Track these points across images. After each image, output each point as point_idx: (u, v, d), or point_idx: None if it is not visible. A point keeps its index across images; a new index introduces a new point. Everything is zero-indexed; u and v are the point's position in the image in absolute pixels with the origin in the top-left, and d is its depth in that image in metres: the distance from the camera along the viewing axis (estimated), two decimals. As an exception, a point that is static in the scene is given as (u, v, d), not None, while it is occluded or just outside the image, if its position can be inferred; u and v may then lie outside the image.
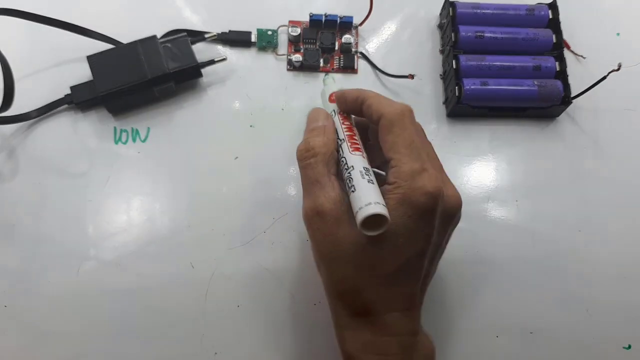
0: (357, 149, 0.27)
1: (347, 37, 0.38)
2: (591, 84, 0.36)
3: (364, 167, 0.26)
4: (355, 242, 0.24)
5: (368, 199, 0.23)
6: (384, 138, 0.26)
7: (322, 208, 0.25)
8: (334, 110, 0.30)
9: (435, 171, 0.25)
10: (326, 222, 0.25)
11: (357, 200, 0.24)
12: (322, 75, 0.39)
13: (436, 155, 0.28)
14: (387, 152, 0.26)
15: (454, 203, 0.26)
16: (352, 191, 0.25)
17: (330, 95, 0.31)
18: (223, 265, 0.33)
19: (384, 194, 0.24)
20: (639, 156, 0.38)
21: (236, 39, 0.39)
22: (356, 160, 0.26)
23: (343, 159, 0.27)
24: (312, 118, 0.29)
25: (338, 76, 0.39)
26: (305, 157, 0.26)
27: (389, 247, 0.24)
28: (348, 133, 0.28)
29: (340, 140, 0.28)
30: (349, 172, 0.25)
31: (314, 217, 0.25)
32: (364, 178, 0.25)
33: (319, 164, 0.26)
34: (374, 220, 0.23)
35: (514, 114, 0.38)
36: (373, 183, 0.25)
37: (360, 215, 0.23)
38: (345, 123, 0.29)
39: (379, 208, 0.23)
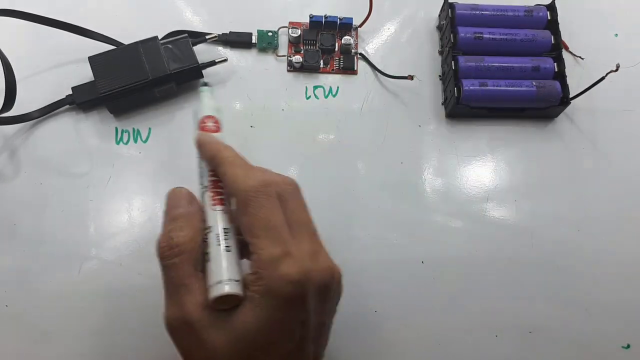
0: (220, 202, 0.24)
1: (347, 39, 0.38)
2: (589, 84, 0.36)
3: (223, 229, 0.23)
4: (229, 348, 0.22)
5: (220, 275, 0.22)
6: (240, 219, 0.23)
7: (190, 317, 0.22)
8: None
9: (300, 250, 0.22)
10: (195, 331, 0.22)
11: (210, 274, 0.22)
12: (322, 77, 0.39)
13: (307, 218, 0.24)
14: (245, 236, 0.23)
15: (326, 277, 0.23)
16: (207, 260, 0.23)
17: (202, 120, 0.26)
18: (223, 264, 0.34)
19: (247, 285, 0.22)
20: (637, 156, 0.38)
21: (237, 40, 0.39)
22: (215, 219, 0.23)
23: (204, 214, 0.24)
24: (172, 202, 0.25)
25: (338, 77, 0.39)
26: (168, 255, 0.23)
27: (265, 344, 0.22)
28: (213, 179, 0.25)
29: (203, 188, 0.25)
30: (207, 234, 0.23)
31: (181, 327, 0.22)
32: (219, 245, 0.23)
33: (184, 264, 0.22)
34: (229, 296, 0.22)
35: (512, 115, 0.38)
36: (229, 251, 0.23)
37: (211, 295, 0.22)
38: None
39: (230, 287, 0.21)
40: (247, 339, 0.22)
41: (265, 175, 0.24)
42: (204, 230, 0.24)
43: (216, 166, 0.25)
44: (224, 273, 0.22)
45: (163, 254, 0.23)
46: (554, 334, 0.34)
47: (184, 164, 0.36)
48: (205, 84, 0.29)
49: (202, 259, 0.23)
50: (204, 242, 0.23)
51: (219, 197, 0.24)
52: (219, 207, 0.24)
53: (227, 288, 0.22)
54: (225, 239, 0.23)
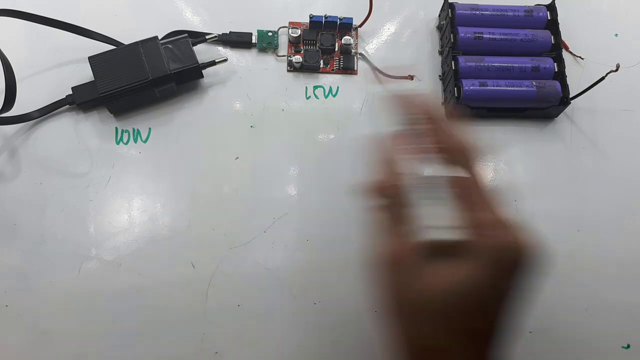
0: (432, 152, 0.25)
1: (347, 39, 0.38)
2: (589, 84, 0.36)
3: (437, 179, 0.24)
4: (444, 293, 0.22)
5: (436, 221, 0.22)
6: (470, 177, 0.23)
7: (410, 255, 0.22)
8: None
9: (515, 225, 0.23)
10: (415, 265, 0.22)
11: (430, 220, 0.23)
12: (322, 77, 0.39)
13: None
14: (469, 193, 0.23)
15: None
16: (425, 206, 0.23)
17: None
18: (223, 264, 0.34)
19: (471, 239, 0.22)
20: (637, 156, 0.38)
21: (237, 40, 0.39)
22: (424, 170, 0.24)
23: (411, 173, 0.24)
24: (384, 147, 0.25)
25: (338, 77, 0.39)
26: (388, 195, 0.23)
27: (478, 303, 0.22)
28: (421, 133, 0.25)
29: (412, 144, 0.25)
30: (420, 189, 0.23)
31: (401, 260, 0.23)
32: (432, 194, 0.23)
33: (400, 204, 0.23)
34: (445, 244, 0.22)
35: (512, 115, 0.38)
36: (441, 200, 0.23)
37: (427, 241, 0.22)
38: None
39: (446, 233, 0.22)
40: (462, 291, 0.22)
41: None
42: (416, 176, 0.24)
43: (434, 122, 0.25)
44: (439, 219, 0.22)
45: (385, 192, 0.23)
46: (554, 334, 0.34)
47: (184, 163, 0.36)
48: None
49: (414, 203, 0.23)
50: (419, 190, 0.24)
51: (425, 150, 0.25)
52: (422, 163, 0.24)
53: (446, 233, 0.22)
54: (435, 190, 0.23)
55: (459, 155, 0.24)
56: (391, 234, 0.23)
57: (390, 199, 0.23)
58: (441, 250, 0.22)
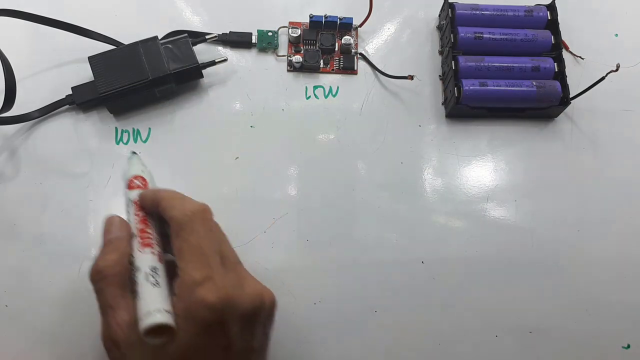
0: (148, 245, 0.25)
1: (347, 38, 0.38)
2: (589, 84, 0.36)
3: (150, 267, 0.24)
4: None
5: (148, 306, 0.22)
6: (173, 243, 0.24)
7: (115, 336, 0.23)
8: (130, 200, 0.27)
9: (225, 277, 0.23)
10: (121, 350, 0.23)
11: (139, 309, 0.23)
12: (322, 77, 0.39)
13: (233, 254, 0.26)
14: (176, 259, 0.24)
15: (253, 302, 0.24)
16: (136, 298, 0.23)
17: (130, 181, 0.28)
18: (223, 264, 0.34)
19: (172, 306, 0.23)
20: (637, 156, 0.38)
21: (237, 40, 0.39)
22: (143, 260, 0.25)
23: (132, 258, 0.25)
24: (105, 229, 0.26)
25: (338, 77, 0.39)
26: (94, 280, 0.24)
27: None
28: (140, 226, 0.26)
29: (133, 236, 0.26)
30: (135, 276, 0.24)
31: (111, 347, 0.24)
32: (148, 281, 0.24)
33: (109, 288, 0.24)
34: (160, 328, 0.22)
35: (512, 115, 0.38)
36: (158, 286, 0.24)
37: (141, 328, 0.22)
38: (139, 214, 0.26)
39: (157, 317, 0.22)
40: (176, 355, 0.22)
41: (201, 204, 0.25)
42: (130, 254, 0.25)
43: (157, 203, 0.26)
44: (152, 304, 0.23)
45: (91, 279, 0.25)
46: (554, 334, 0.34)
47: (184, 163, 0.36)
48: (134, 153, 0.30)
49: (129, 281, 0.24)
50: (135, 284, 0.24)
51: (146, 239, 0.25)
52: (146, 249, 0.25)
53: (154, 318, 0.22)
54: (152, 276, 0.24)
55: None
56: (102, 321, 0.24)
57: (102, 285, 0.24)
58: (160, 336, 0.23)
